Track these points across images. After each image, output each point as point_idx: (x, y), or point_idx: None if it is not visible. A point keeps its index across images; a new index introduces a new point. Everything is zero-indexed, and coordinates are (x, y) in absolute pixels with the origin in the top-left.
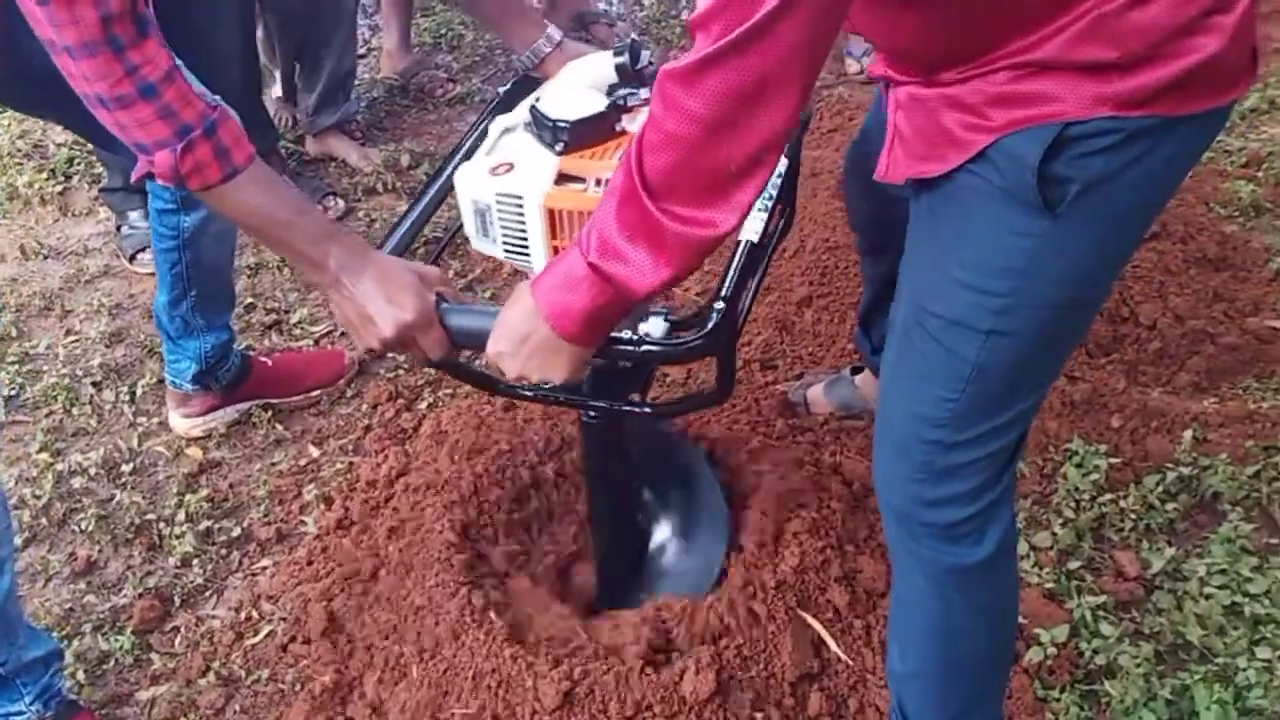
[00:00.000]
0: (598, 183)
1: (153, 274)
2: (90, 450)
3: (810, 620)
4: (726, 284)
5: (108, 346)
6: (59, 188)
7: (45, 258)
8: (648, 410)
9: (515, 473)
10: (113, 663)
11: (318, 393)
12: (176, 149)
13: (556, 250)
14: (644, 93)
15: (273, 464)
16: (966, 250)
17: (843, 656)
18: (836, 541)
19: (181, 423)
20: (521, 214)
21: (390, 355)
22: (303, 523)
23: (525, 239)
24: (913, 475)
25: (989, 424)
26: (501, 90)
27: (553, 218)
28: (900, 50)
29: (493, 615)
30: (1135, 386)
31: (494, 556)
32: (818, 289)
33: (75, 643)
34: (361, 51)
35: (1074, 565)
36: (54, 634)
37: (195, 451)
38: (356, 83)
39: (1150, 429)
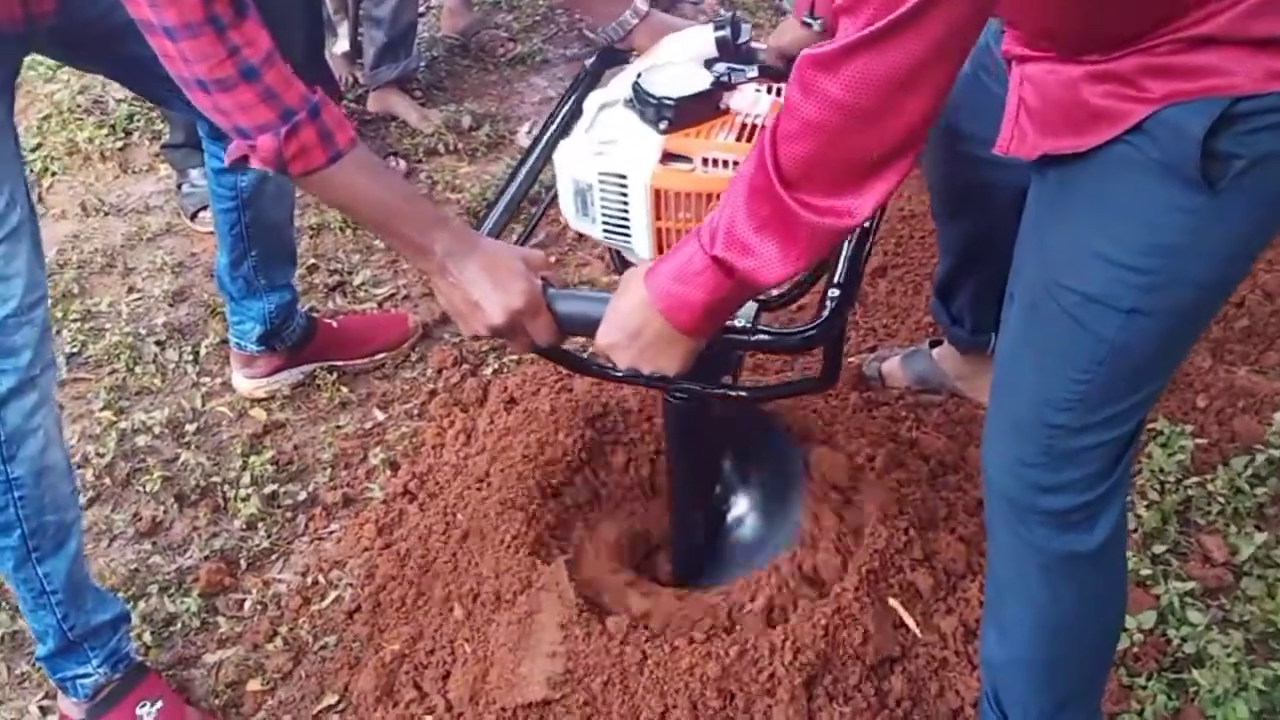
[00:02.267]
0: (704, 162)
1: (214, 233)
2: (154, 409)
3: (893, 604)
4: (839, 270)
5: (170, 305)
6: (119, 144)
7: (106, 214)
8: (742, 394)
9: (586, 440)
10: (179, 625)
11: (382, 356)
12: (280, 132)
13: (660, 232)
14: (748, 70)
15: (338, 427)
16: (1112, 225)
17: (924, 639)
18: (916, 521)
19: (245, 383)
20: (625, 194)
21: (492, 341)
22: (368, 488)
23: (627, 219)
24: (1031, 460)
25: (1116, 407)
26: (588, 64)
27: (658, 198)
28: (1048, 30)
29: (564, 585)
30: (1222, 365)
31: (563, 525)
32: (892, 259)
33: (141, 604)
34: (421, 9)
35: (1160, 550)
36: (120, 595)
37: (259, 413)
38: (417, 41)
39: (1238, 409)
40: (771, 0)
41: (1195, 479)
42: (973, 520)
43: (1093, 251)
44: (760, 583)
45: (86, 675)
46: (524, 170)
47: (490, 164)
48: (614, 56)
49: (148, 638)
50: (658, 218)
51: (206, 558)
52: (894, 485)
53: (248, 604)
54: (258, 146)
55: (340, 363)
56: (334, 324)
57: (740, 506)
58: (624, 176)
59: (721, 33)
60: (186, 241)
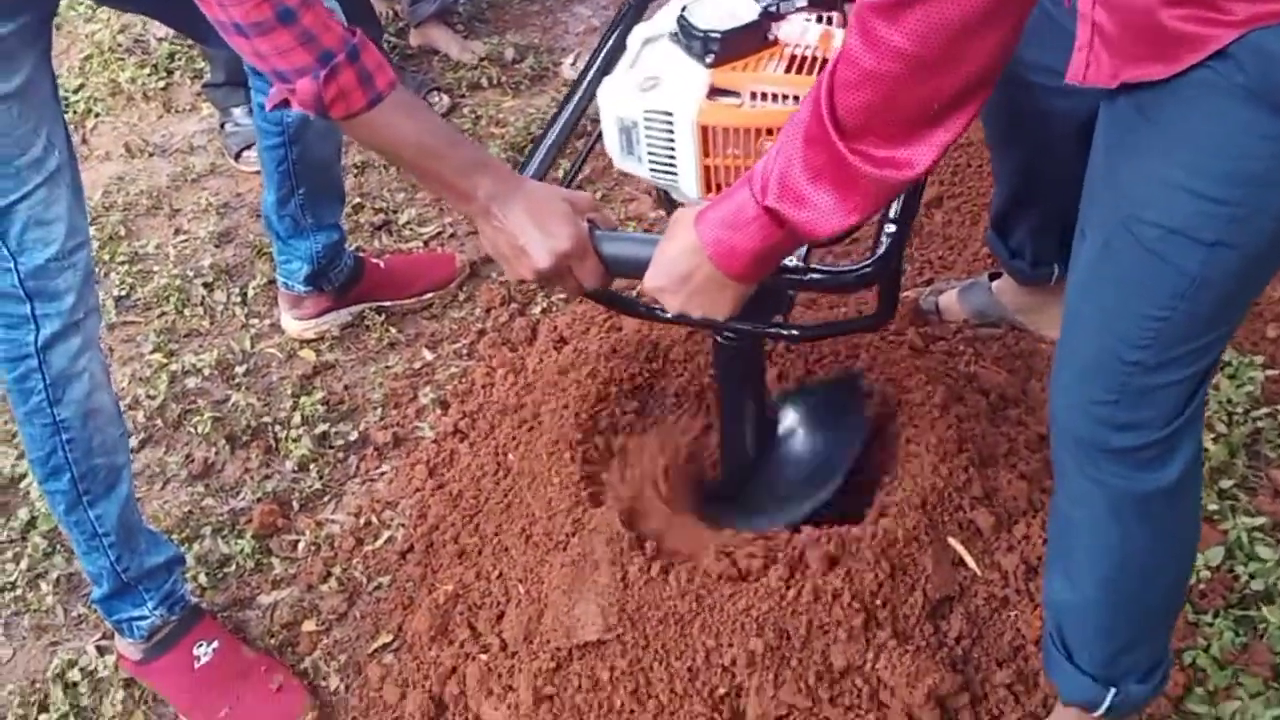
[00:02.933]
0: (753, 96)
1: (259, 172)
2: (204, 351)
3: (953, 543)
4: (895, 204)
5: (217, 246)
6: (161, 83)
7: (151, 155)
8: (794, 334)
9: (637, 378)
10: (234, 566)
11: (430, 296)
12: (319, 75)
13: (708, 170)
14: (794, 3)
15: (387, 367)
16: (1195, 154)
17: (984, 578)
18: (976, 458)
19: (294, 324)
20: (671, 131)
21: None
22: (419, 428)
23: (674, 158)
24: (1104, 398)
25: (1195, 343)
26: None
27: (705, 135)
28: None
29: (617, 525)
30: None
31: (615, 466)
32: (948, 189)
33: (195, 546)
34: None
35: (1227, 484)
36: (174, 537)
37: (308, 354)
38: None
39: None
40: None
41: (1265, 410)
42: (1034, 456)
43: (1173, 183)
44: (816, 520)
45: (143, 617)
46: (568, 109)
47: (534, 97)
48: None
49: (203, 579)
50: (705, 155)
51: (259, 499)
52: (953, 421)
53: (301, 545)
54: (297, 90)
55: (388, 303)
56: (381, 264)
57: (794, 439)
58: (670, 113)
59: None
60: (231, 181)
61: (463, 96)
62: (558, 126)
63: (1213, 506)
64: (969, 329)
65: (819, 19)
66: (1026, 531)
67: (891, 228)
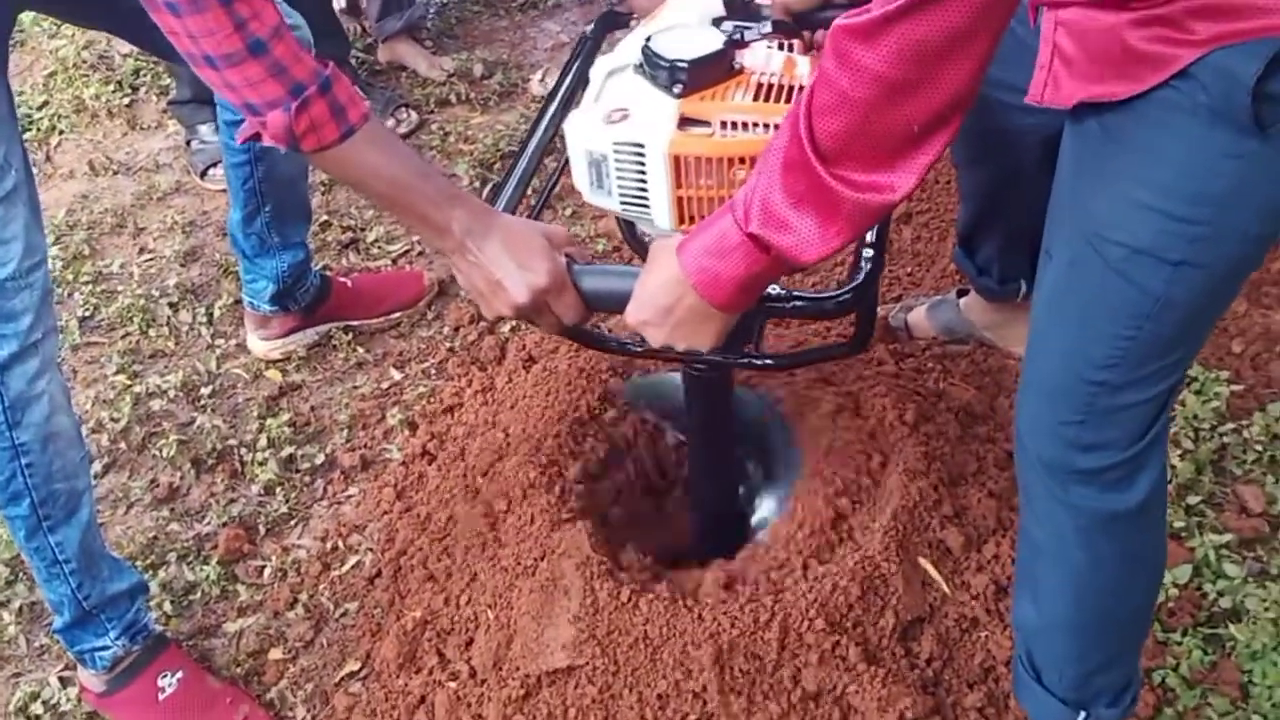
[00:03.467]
0: (723, 125)
1: (225, 190)
2: (168, 372)
3: (923, 563)
4: (873, 229)
5: (183, 265)
6: (126, 100)
7: (115, 173)
8: (768, 363)
9: (606, 399)
10: (199, 594)
11: (398, 314)
12: (290, 108)
13: (681, 201)
14: (760, 27)
15: (354, 387)
16: (1159, 173)
17: (954, 598)
18: (945, 476)
19: (260, 345)
20: (642, 163)
21: (520, 322)
22: (386, 449)
23: (645, 190)
24: (1070, 419)
25: (1160, 362)
26: (587, 31)
27: (678, 165)
28: None
29: (586, 549)
30: (1257, 309)
31: (584, 486)
32: (916, 205)
33: (160, 572)
34: None
35: (1194, 500)
36: (138, 564)
37: (275, 374)
38: None
39: (1274, 354)
40: None
41: (1230, 426)
42: (1003, 475)
43: (1138, 202)
44: (785, 544)
45: (105, 648)
46: (533, 143)
47: (503, 113)
48: (614, 20)
49: (167, 607)
50: (678, 186)
51: (225, 524)
52: (922, 439)
53: (267, 571)
54: (268, 123)
55: (355, 322)
56: (348, 283)
57: (758, 471)
58: (640, 145)
59: None
60: (197, 200)
61: (431, 113)
62: (524, 160)
63: (1180, 523)
64: (938, 346)
65: (781, 46)
66: (996, 551)
67: (870, 252)
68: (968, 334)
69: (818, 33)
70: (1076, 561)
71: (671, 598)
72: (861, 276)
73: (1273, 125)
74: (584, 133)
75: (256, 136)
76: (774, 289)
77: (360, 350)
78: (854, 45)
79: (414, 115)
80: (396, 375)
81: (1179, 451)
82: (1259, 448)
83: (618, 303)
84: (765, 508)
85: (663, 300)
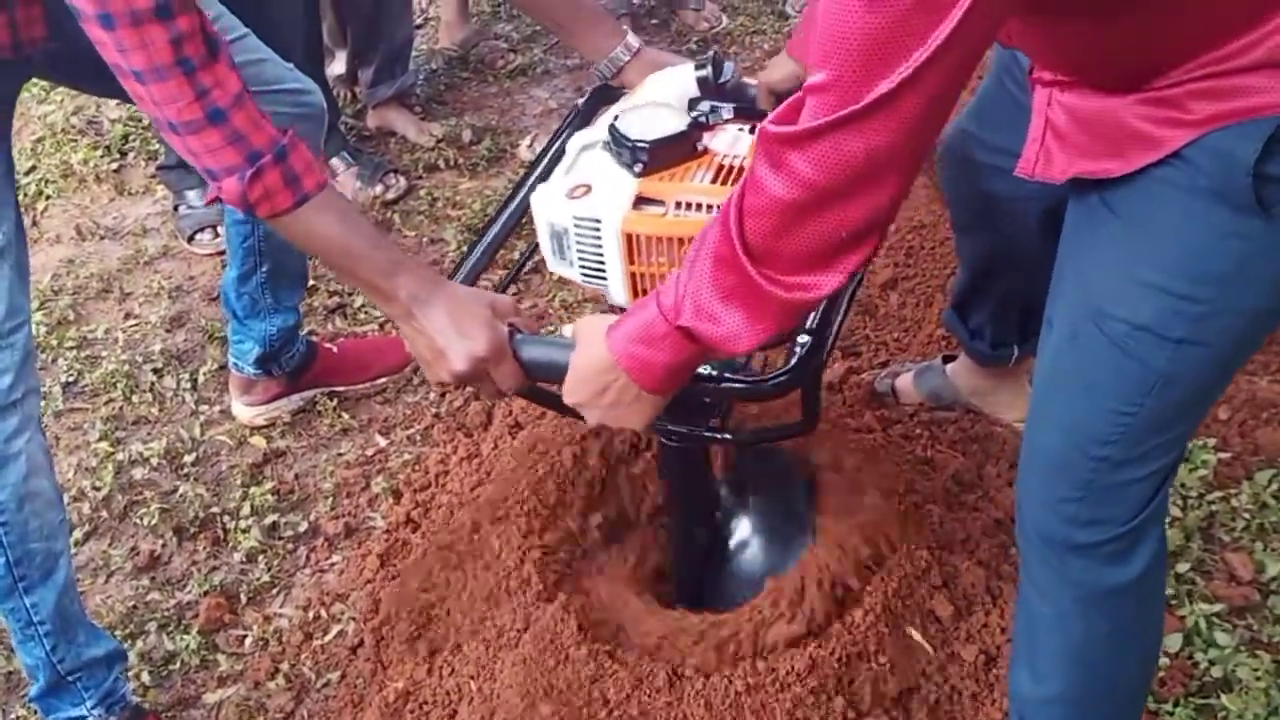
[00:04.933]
0: (677, 205)
1: (211, 254)
2: (151, 440)
3: (913, 634)
4: (812, 315)
5: (168, 331)
6: (114, 165)
7: (102, 238)
8: (728, 438)
9: (594, 467)
10: (179, 664)
11: (384, 380)
12: (244, 176)
13: (634, 277)
14: (725, 110)
15: (339, 454)
16: (1161, 251)
17: (944, 668)
18: (934, 545)
19: (245, 411)
20: (599, 238)
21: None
22: (371, 517)
23: (603, 264)
24: (1069, 495)
25: (1161, 438)
26: (579, 104)
27: (630, 243)
28: (1081, 66)
29: (570, 625)
30: (1243, 375)
31: (571, 554)
32: (903, 270)
33: (139, 642)
34: (419, 22)
35: (1183, 568)
36: (117, 633)
37: (259, 440)
38: (415, 54)
39: (1261, 421)
40: (775, 5)
41: (1219, 494)
42: (991, 542)
43: (1140, 279)
44: (776, 612)
45: (81, 717)
46: (505, 214)
47: (491, 179)
48: (607, 94)
49: (146, 677)
50: (631, 262)
51: (206, 593)
52: (910, 507)
53: (248, 640)
54: (224, 189)
55: (341, 388)
56: (334, 348)
57: (743, 531)
58: (597, 221)
59: (702, 71)
60: (184, 265)
61: (420, 178)
62: (493, 231)
63: (1170, 592)
64: (925, 412)
65: (750, 129)
66: (985, 620)
67: (805, 338)
68: (954, 400)
69: None
70: (1074, 634)
71: (661, 668)
72: (795, 360)
73: (1275, 205)
74: (547, 205)
75: (219, 199)
76: (709, 369)
77: (345, 416)
78: (786, 150)
79: (402, 181)
80: (381, 442)
81: (1168, 519)
82: (1247, 515)
83: (556, 374)
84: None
85: (595, 383)
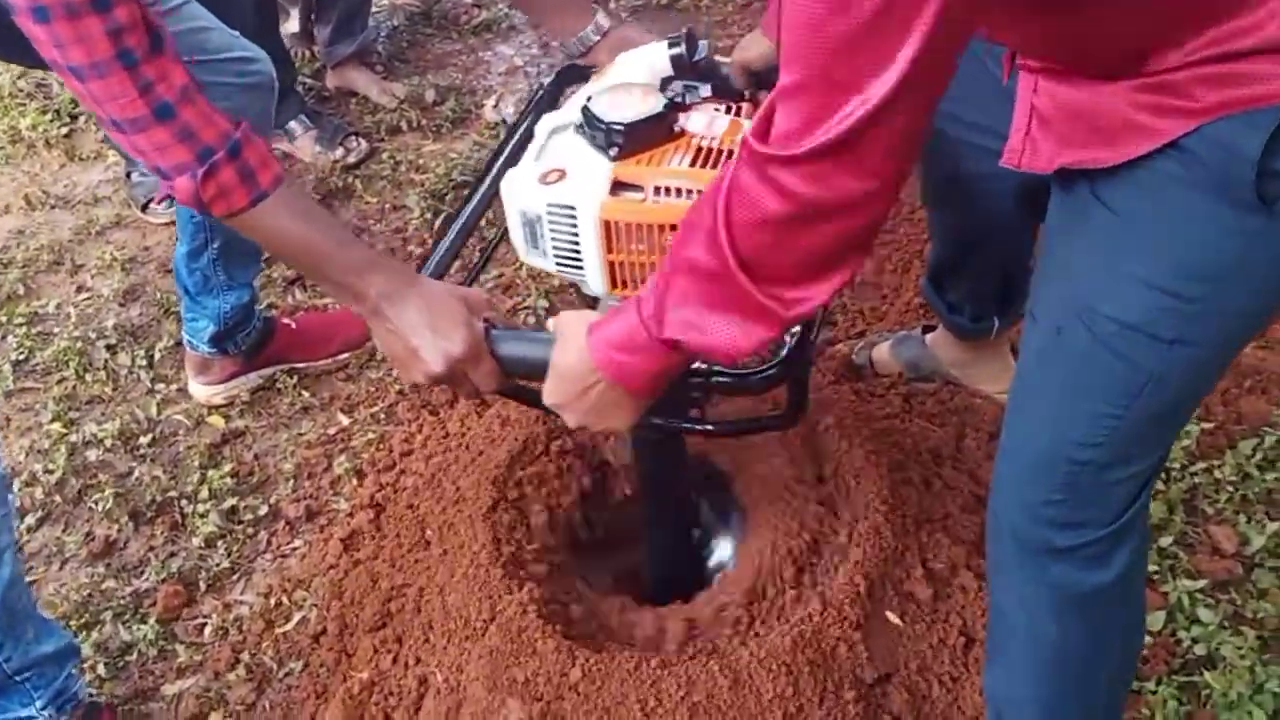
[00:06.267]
0: (655, 191)
1: (167, 224)
2: (106, 420)
3: (892, 617)
4: None
5: (122, 305)
6: (64, 130)
7: (52, 207)
8: (709, 429)
9: (561, 446)
10: (136, 654)
11: (345, 356)
12: (196, 174)
13: (613, 265)
14: (703, 89)
15: (300, 434)
16: (1154, 247)
17: (924, 652)
18: (912, 524)
19: (202, 390)
20: (575, 226)
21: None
22: (333, 500)
23: (579, 253)
24: (1050, 498)
25: (1148, 440)
26: (545, 83)
27: (608, 231)
28: (1072, 55)
29: (533, 616)
30: None
31: (538, 540)
32: (879, 236)
33: (95, 633)
34: None
35: (1166, 542)
36: (71, 623)
37: (217, 420)
38: (375, 10)
39: (1244, 389)
40: None
41: (1202, 465)
42: (971, 519)
43: (1131, 275)
44: (745, 596)
45: (29, 718)
46: (473, 202)
47: (455, 141)
48: (574, 73)
49: (102, 669)
50: (609, 251)
51: (164, 580)
52: (888, 483)
53: (208, 629)
54: (176, 188)
55: (301, 365)
56: (292, 324)
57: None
58: (572, 208)
59: (676, 50)
60: (138, 234)
61: (381, 140)
62: (460, 221)
63: (1153, 568)
64: (903, 383)
65: (728, 109)
66: (965, 601)
67: (795, 329)
68: (933, 371)
69: (761, 93)
70: (1051, 637)
71: (629, 659)
72: (784, 352)
73: (1277, 201)
74: (519, 192)
75: (173, 197)
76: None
77: (306, 394)
78: (774, 168)
79: (364, 144)
80: (344, 420)
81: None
82: (1230, 487)
83: (535, 370)
84: (723, 550)
85: (576, 386)
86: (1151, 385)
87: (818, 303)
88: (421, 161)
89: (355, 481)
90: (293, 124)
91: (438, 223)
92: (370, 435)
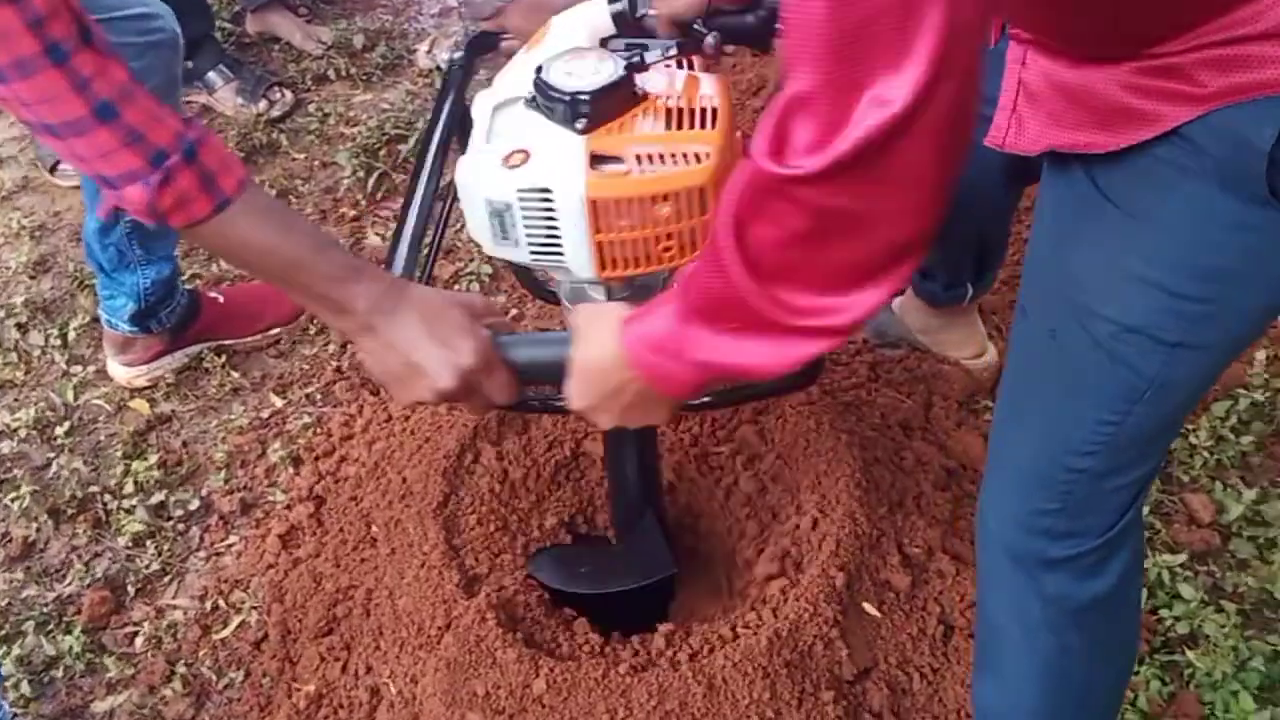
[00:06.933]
0: (638, 160)
1: (78, 186)
2: (19, 407)
3: (869, 609)
4: None
5: (32, 278)
6: None
7: None
8: (707, 400)
9: (517, 420)
10: (61, 669)
11: (277, 331)
12: (150, 181)
13: (601, 245)
14: (655, 50)
15: (230, 419)
16: (1157, 243)
17: (903, 643)
18: (885, 507)
19: (122, 371)
20: (552, 210)
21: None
22: (269, 491)
23: (559, 238)
24: (1044, 508)
25: (1147, 445)
26: (456, 58)
27: (595, 210)
28: (1071, 34)
29: (492, 624)
30: None
31: (498, 538)
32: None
33: (16, 646)
34: None
35: (1143, 513)
36: None
37: (141, 404)
38: None
39: None
40: None
41: None
42: (942, 496)
43: (1132, 274)
44: (722, 592)
45: None
46: (419, 194)
47: (387, 89)
48: (485, 41)
49: (26, 688)
50: (597, 231)
51: (89, 585)
52: (857, 463)
53: (139, 638)
54: (126, 198)
55: (229, 341)
56: (219, 297)
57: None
58: (548, 191)
59: (618, 5)
60: (46, 199)
61: (308, 91)
62: (412, 214)
63: None
64: (868, 350)
65: (679, 64)
66: (943, 587)
67: None
68: (900, 338)
69: (706, 40)
70: (1045, 650)
71: (593, 665)
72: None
73: None
74: (481, 180)
75: (120, 209)
76: None
77: (235, 374)
78: (798, 189)
79: (289, 95)
80: (277, 402)
81: None
82: (1206, 452)
83: (554, 373)
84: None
85: (607, 384)
86: (1153, 390)
87: (865, 312)
88: (352, 114)
89: (292, 470)
90: (211, 74)
91: (370, 182)
92: (306, 418)
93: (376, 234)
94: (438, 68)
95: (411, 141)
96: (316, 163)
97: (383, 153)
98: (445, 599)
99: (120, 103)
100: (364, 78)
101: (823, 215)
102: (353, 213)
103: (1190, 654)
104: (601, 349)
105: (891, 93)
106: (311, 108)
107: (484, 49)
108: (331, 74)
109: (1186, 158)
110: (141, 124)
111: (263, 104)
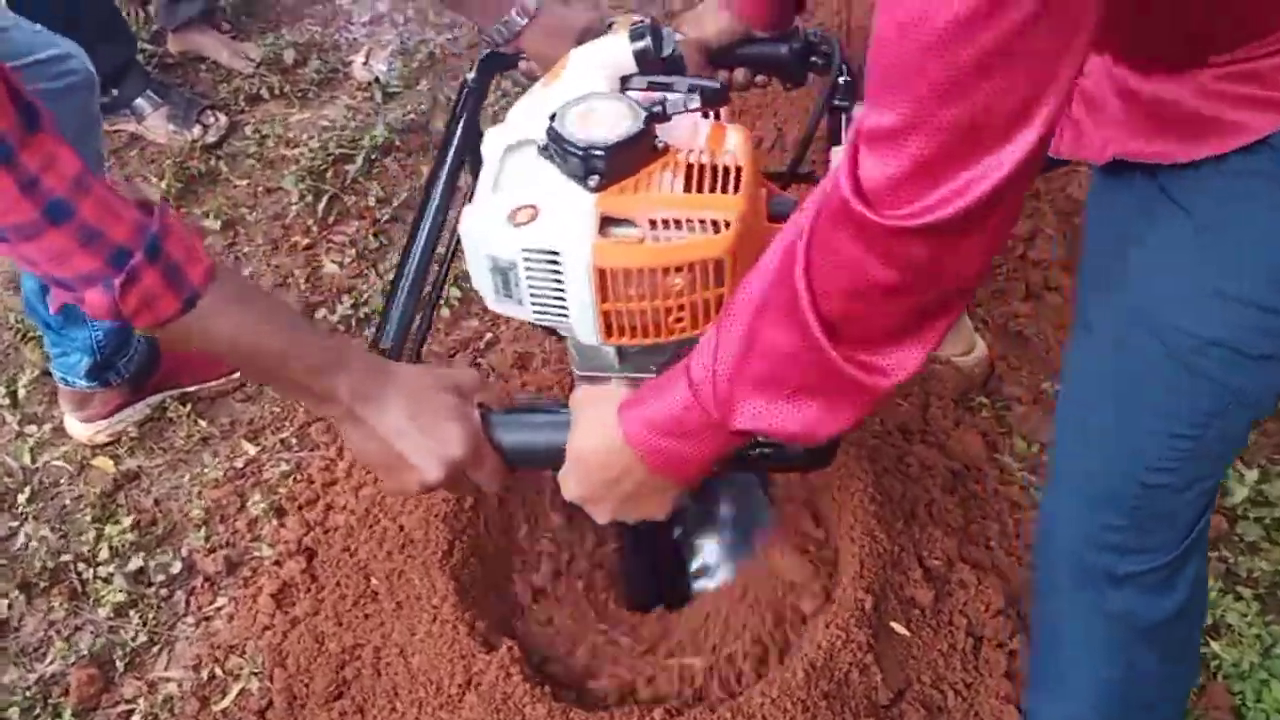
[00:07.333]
0: (652, 225)
1: None
2: None
3: (898, 628)
4: None
5: None
6: None
7: None
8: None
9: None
10: None
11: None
12: (113, 284)
13: (608, 314)
14: (679, 92)
15: (202, 471)
16: (1242, 257)
17: (934, 660)
18: (903, 521)
19: (81, 428)
20: (559, 273)
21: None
22: (255, 546)
23: (564, 300)
24: (1116, 523)
25: (1222, 458)
26: (469, 78)
27: (603, 279)
28: (1134, 39)
29: (518, 681)
30: None
31: (511, 584)
32: None
33: None
34: None
35: None
36: None
37: (105, 462)
38: None
39: None
40: None
41: None
42: (950, 500)
43: (1214, 290)
44: (740, 626)
45: None
46: (417, 248)
47: (325, 106)
48: (497, 62)
49: None
50: (604, 300)
51: (73, 663)
52: (867, 475)
53: (136, 716)
54: (87, 302)
55: (192, 388)
56: None
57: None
58: (555, 254)
59: (640, 43)
60: None
61: (242, 112)
62: (406, 280)
63: None
64: None
65: (705, 113)
66: (966, 598)
67: None
68: None
69: (736, 72)
70: (1107, 669)
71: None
72: None
73: None
74: (486, 235)
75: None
76: None
77: (203, 423)
78: (901, 241)
79: (222, 118)
80: (251, 450)
81: None
82: None
83: (547, 457)
84: (708, 554)
85: (606, 473)
86: (1234, 405)
87: (911, 370)
88: (291, 134)
89: (276, 522)
90: (139, 101)
91: (321, 206)
92: (284, 465)
93: (333, 262)
94: (376, 80)
95: (360, 160)
96: (260, 189)
97: (329, 174)
98: (463, 654)
99: (74, 198)
100: (299, 95)
101: (910, 271)
102: (305, 241)
103: (1215, 645)
104: (601, 437)
105: (1005, 157)
106: (248, 130)
107: (494, 69)
108: (265, 93)
109: (1274, 167)
110: (98, 220)
111: (196, 129)
